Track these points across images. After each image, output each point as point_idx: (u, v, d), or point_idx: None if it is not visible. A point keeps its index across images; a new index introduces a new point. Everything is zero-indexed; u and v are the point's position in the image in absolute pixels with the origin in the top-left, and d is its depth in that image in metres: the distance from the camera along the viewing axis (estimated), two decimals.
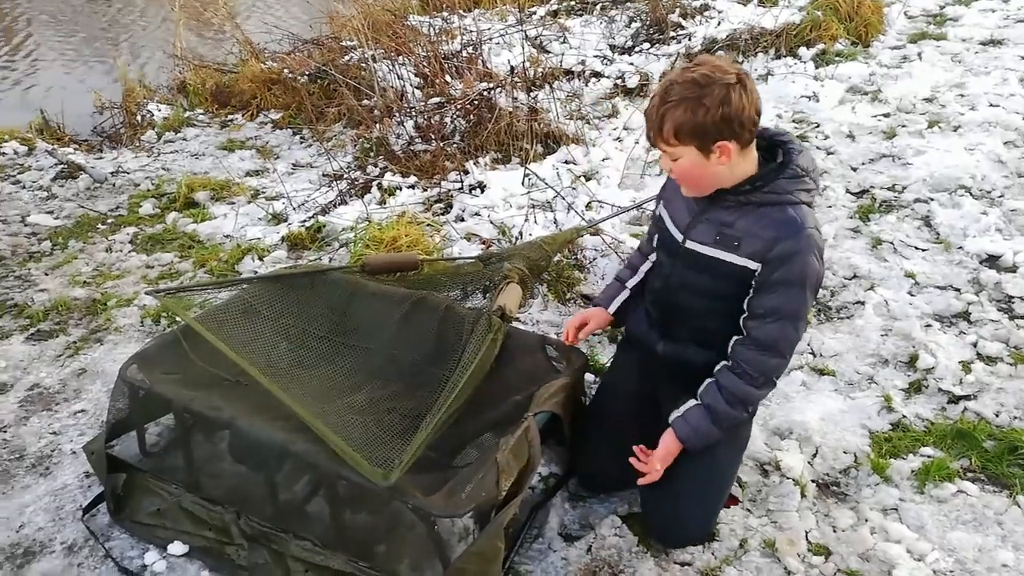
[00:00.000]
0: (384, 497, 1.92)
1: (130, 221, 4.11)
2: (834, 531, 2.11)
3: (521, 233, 3.51)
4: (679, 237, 1.99)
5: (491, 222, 3.67)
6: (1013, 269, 3.12)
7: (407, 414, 2.23)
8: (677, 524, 2.04)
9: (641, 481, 1.94)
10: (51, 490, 2.39)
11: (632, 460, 1.95)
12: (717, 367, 1.94)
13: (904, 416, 2.48)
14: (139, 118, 5.67)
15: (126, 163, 4.91)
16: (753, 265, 1.83)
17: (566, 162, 4.12)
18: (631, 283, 2.31)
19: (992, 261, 3.20)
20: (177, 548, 2.12)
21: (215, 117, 5.58)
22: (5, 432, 2.63)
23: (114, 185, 4.57)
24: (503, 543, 1.81)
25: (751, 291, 1.87)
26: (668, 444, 1.94)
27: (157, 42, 7.82)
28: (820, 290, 3.07)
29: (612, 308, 2.30)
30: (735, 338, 1.92)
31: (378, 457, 1.89)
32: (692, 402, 1.95)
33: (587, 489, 2.27)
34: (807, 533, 2.10)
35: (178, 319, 3.09)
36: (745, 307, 1.89)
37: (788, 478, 2.26)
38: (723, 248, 1.88)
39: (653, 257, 2.23)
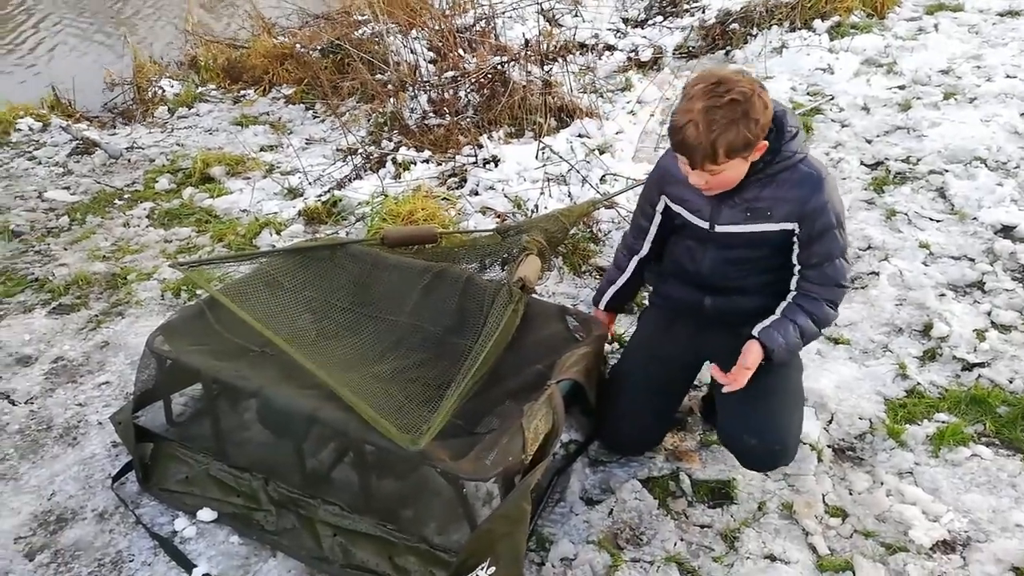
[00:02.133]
0: (412, 462, 1.97)
1: (147, 196, 4.14)
2: (850, 494, 2.15)
3: (537, 207, 3.52)
4: (705, 225, 2.05)
5: (506, 196, 3.69)
6: None
7: (431, 383, 2.27)
8: (774, 441, 2.01)
9: (727, 388, 1.99)
10: (80, 459, 2.44)
11: (713, 374, 2.04)
12: (791, 294, 2.03)
13: (919, 383, 2.51)
14: (150, 94, 5.67)
15: (140, 139, 4.93)
16: (790, 225, 1.95)
17: (580, 136, 4.12)
18: (621, 281, 2.39)
19: (1007, 231, 3.20)
20: (206, 515, 2.16)
21: (227, 93, 5.59)
22: (32, 404, 2.69)
23: (129, 161, 4.59)
24: (529, 505, 1.85)
25: (795, 247, 1.99)
26: (753, 353, 1.98)
27: (167, 17, 7.80)
28: None
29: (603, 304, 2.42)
30: (796, 279, 2.02)
31: (405, 424, 1.94)
32: (774, 316, 2.02)
33: (610, 451, 2.31)
34: (824, 496, 2.14)
35: (199, 292, 3.14)
36: (796, 260, 2.01)
37: (804, 443, 2.29)
38: (757, 221, 1.98)
39: (644, 250, 2.30)
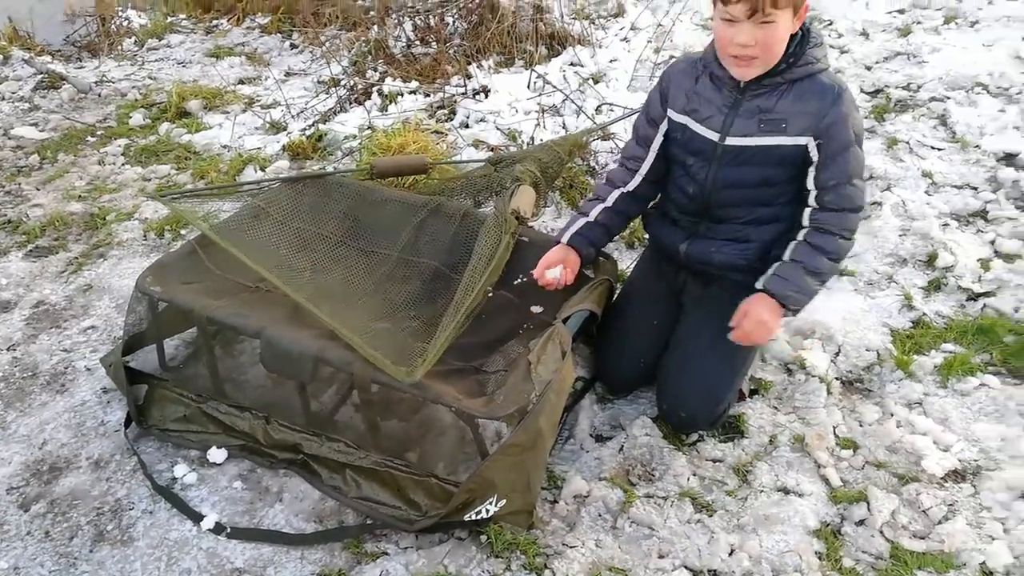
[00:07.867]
0: (420, 399, 1.92)
1: (120, 132, 3.96)
2: (860, 426, 2.13)
3: (532, 139, 3.41)
4: (715, 137, 1.95)
5: (498, 128, 3.57)
6: None
7: (427, 320, 2.20)
8: (691, 402, 2.05)
9: (734, 336, 1.94)
10: (70, 407, 2.35)
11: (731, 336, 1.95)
12: (802, 230, 1.95)
13: (925, 314, 2.49)
14: (115, 26, 5.40)
15: (109, 72, 4.70)
16: (804, 140, 1.87)
17: (572, 64, 3.98)
18: (594, 211, 2.19)
19: (1010, 159, 3.14)
20: (216, 455, 2.09)
21: (199, 23, 5.34)
22: (15, 350, 2.58)
23: (99, 95, 4.38)
24: (545, 437, 1.82)
25: (814, 167, 1.89)
26: (762, 305, 1.91)
27: None
28: None
29: (565, 238, 2.19)
30: (808, 209, 1.94)
31: (401, 358, 1.89)
32: (777, 264, 1.95)
33: (612, 390, 2.28)
34: (835, 428, 2.12)
35: (184, 231, 3.03)
36: (812, 184, 1.91)
37: (813, 376, 2.26)
38: (770, 134, 1.89)
39: (633, 184, 2.16)
